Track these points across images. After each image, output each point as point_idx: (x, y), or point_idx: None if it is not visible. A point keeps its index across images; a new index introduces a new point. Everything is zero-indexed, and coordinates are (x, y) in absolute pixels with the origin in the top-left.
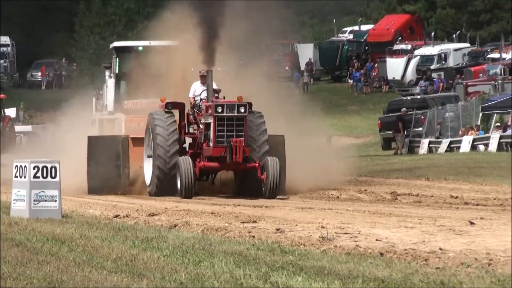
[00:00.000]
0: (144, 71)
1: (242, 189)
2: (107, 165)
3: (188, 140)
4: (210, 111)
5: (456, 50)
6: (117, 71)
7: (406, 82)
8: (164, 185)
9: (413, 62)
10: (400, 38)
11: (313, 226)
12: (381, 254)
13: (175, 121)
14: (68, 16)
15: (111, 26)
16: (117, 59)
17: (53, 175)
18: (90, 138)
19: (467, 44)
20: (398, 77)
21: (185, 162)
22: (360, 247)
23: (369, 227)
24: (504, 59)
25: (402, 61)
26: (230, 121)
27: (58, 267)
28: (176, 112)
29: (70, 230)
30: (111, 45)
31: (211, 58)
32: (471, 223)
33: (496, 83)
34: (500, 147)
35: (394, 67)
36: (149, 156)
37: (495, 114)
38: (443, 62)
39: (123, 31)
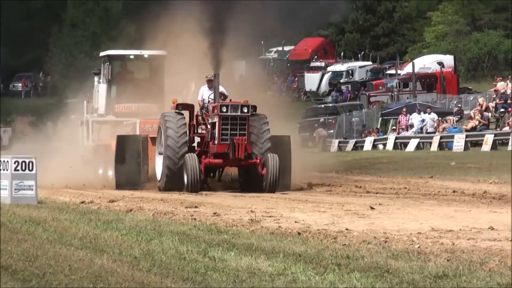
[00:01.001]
0: (134, 77)
1: (245, 185)
2: (131, 163)
3: (197, 139)
4: (215, 111)
5: (361, 67)
6: (109, 77)
7: (320, 93)
8: (173, 179)
9: (326, 76)
10: (315, 57)
11: (244, 210)
12: (299, 233)
13: (185, 123)
14: (44, 36)
15: (78, 46)
16: (110, 66)
17: (30, 168)
18: (118, 137)
19: (370, 62)
20: (314, 89)
21: (191, 159)
22: (281, 228)
23: (289, 211)
24: (399, 74)
25: (317, 76)
26: (233, 120)
27: (34, 244)
28: (186, 114)
29: (44, 213)
30: (104, 53)
31: (218, 62)
32: (372, 208)
33: (392, 94)
34: (395, 146)
35: (311, 80)
36: (160, 153)
37: (392, 119)
38: (351, 76)
39: (90, 50)
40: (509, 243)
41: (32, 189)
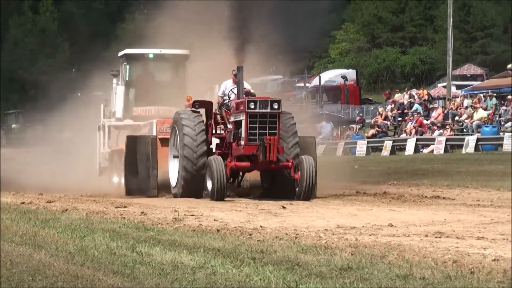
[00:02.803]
0: (154, 78)
1: (271, 191)
2: (140, 167)
3: (215, 141)
4: (241, 108)
5: (273, 80)
6: (127, 78)
7: None
8: (190, 187)
9: None
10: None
11: (168, 210)
12: (218, 230)
13: (202, 121)
14: None
15: (18, 63)
16: (128, 66)
17: None
18: (128, 138)
19: (281, 76)
20: None
21: (217, 162)
22: (202, 225)
23: (209, 210)
24: (308, 87)
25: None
26: (263, 118)
27: None
28: (202, 112)
29: None
30: (122, 53)
31: (242, 54)
32: (283, 207)
33: (301, 104)
34: None
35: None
36: (175, 157)
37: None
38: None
39: (28, 66)
40: (406, 238)
41: None
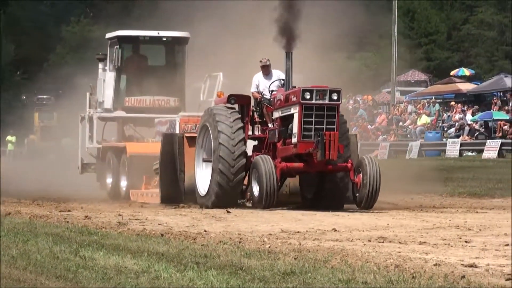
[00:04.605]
0: (149, 64)
1: (319, 199)
2: (172, 169)
3: (250, 143)
4: (294, 99)
5: None
6: (119, 64)
7: None
8: (225, 195)
9: None
10: None
11: (113, 214)
12: (162, 235)
13: (240, 117)
14: None
15: None
16: (120, 50)
17: None
18: (165, 136)
19: None
20: None
21: (266, 162)
22: (146, 230)
23: (153, 215)
24: None
25: None
26: (319, 111)
27: None
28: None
29: None
30: (112, 34)
31: (292, 38)
32: (228, 212)
33: None
34: None
35: None
36: (204, 161)
37: None
38: None
39: None
40: (349, 243)
41: None
